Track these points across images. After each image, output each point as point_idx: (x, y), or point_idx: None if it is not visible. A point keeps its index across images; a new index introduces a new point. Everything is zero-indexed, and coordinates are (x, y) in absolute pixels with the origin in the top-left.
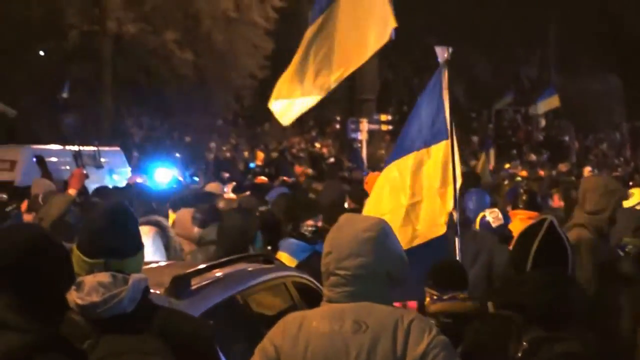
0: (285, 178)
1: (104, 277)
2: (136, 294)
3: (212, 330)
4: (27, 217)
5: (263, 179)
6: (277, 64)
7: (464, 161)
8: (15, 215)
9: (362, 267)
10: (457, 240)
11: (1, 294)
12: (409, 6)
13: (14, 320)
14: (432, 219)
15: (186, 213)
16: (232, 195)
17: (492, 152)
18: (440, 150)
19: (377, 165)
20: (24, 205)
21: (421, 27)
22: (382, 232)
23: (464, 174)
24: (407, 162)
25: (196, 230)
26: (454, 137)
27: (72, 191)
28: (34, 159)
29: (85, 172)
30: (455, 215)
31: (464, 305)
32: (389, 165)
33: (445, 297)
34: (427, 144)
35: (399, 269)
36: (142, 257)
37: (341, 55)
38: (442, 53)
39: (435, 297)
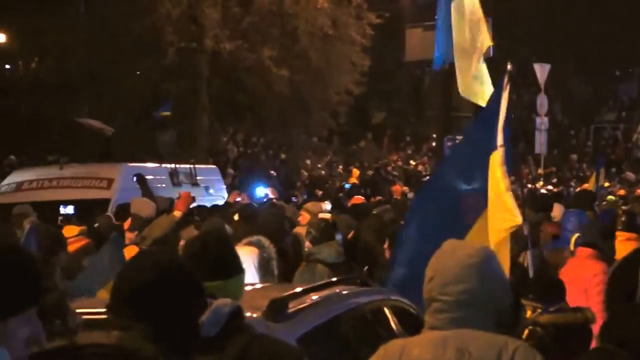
0: (380, 197)
1: None
2: (218, 319)
3: (298, 357)
4: (130, 236)
5: (360, 198)
6: (373, 80)
7: (562, 179)
8: (117, 236)
9: (466, 292)
10: (528, 254)
11: (136, 323)
12: (507, 22)
13: (148, 350)
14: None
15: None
16: (327, 215)
17: (602, 171)
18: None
19: None
20: (127, 224)
21: (518, 43)
22: (486, 258)
23: (579, 193)
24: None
25: (307, 245)
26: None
27: (177, 213)
28: (134, 178)
29: (192, 195)
30: (525, 229)
31: (573, 317)
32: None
33: (551, 309)
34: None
35: (502, 295)
36: (240, 280)
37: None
38: (541, 70)
39: (539, 310)
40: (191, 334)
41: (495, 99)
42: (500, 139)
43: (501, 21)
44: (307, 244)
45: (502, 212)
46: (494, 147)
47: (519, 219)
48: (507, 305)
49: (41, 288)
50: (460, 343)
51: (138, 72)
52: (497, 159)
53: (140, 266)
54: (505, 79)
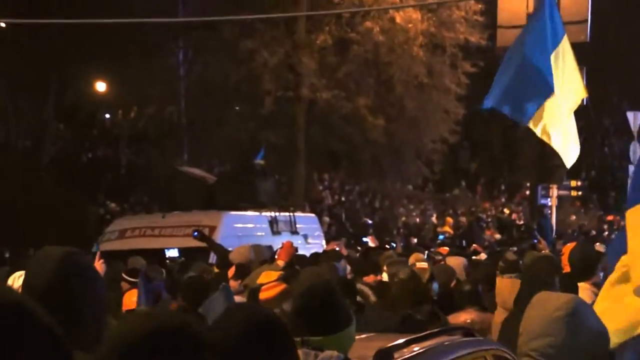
0: (475, 246)
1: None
2: None
3: None
4: (234, 284)
5: (445, 249)
6: (468, 129)
7: None
8: (226, 285)
9: (551, 346)
10: None
11: None
12: (602, 72)
13: None
14: None
15: None
16: (425, 265)
17: None
18: None
19: (565, 231)
20: (231, 272)
21: (613, 93)
22: (574, 310)
23: None
24: None
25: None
26: None
27: (280, 262)
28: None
29: (294, 244)
30: None
31: None
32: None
33: None
34: None
35: (595, 346)
36: (349, 333)
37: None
38: (634, 118)
39: None
40: None
41: None
42: None
43: (594, 69)
44: None
45: None
46: None
47: None
48: (603, 354)
49: None
50: None
51: (236, 121)
52: None
53: (232, 319)
54: None
